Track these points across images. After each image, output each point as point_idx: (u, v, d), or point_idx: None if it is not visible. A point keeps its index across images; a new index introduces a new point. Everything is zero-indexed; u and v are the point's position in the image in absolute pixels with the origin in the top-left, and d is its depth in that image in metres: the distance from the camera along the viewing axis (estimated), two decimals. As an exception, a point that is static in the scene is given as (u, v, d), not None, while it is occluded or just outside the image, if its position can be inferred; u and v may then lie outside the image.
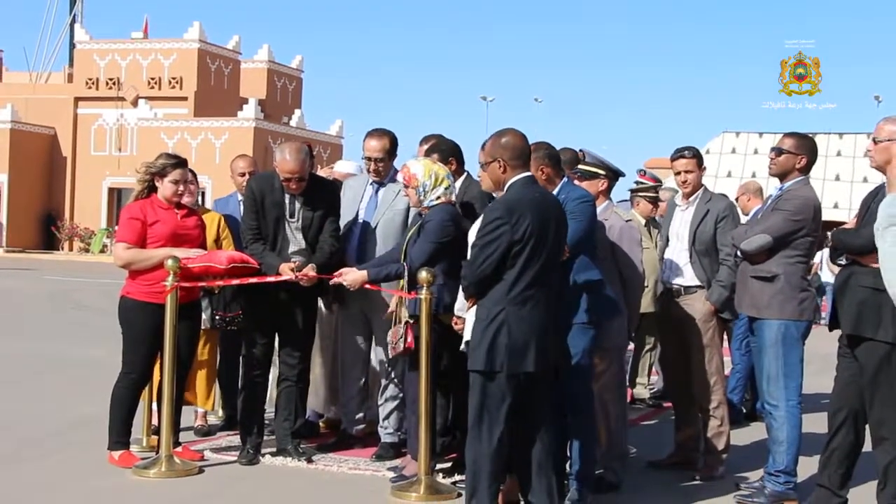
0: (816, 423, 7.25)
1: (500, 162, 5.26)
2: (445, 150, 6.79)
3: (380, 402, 7.00)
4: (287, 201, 6.72)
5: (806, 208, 6.10)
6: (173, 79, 42.78)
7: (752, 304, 6.19)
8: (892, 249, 4.83)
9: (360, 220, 6.96)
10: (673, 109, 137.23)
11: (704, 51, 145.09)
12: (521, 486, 5.37)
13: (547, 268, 5.19)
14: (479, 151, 5.89)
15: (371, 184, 7.04)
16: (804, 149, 6.18)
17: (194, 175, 7.54)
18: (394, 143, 6.96)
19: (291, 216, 6.73)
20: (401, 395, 6.82)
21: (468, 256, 5.25)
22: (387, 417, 6.94)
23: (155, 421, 6.90)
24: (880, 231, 5.06)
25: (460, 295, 5.65)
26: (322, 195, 6.80)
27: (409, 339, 6.18)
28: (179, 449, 6.68)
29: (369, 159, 6.92)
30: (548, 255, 5.17)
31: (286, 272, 6.53)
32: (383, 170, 6.93)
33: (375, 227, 6.88)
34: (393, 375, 6.88)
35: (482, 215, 5.30)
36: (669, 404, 8.47)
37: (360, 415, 7.28)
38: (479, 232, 5.20)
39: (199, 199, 7.74)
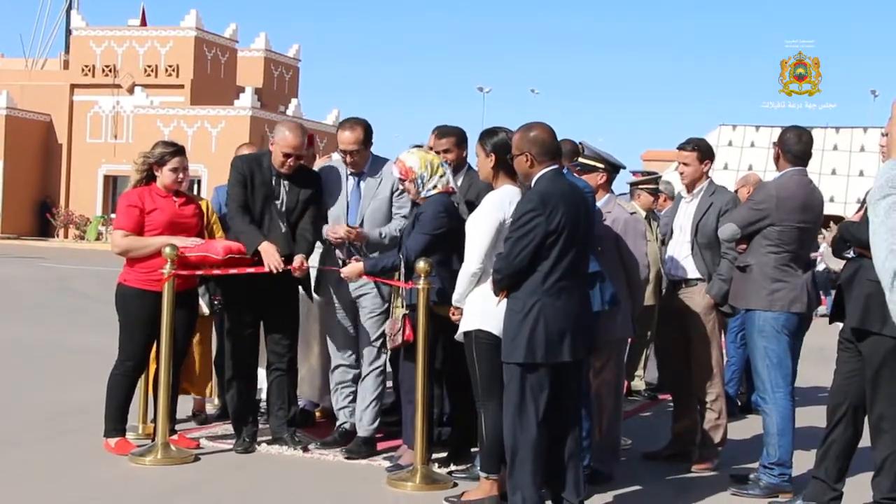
0: (814, 416, 7.27)
1: (528, 156, 5.28)
2: (462, 136, 6.85)
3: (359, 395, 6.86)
4: (273, 183, 6.72)
5: (767, 197, 6.13)
6: (170, 66, 42.67)
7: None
8: (885, 222, 4.81)
9: (348, 213, 6.80)
10: (672, 102, 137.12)
11: (706, 46, 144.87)
12: (547, 479, 5.29)
13: (579, 258, 5.24)
14: (476, 144, 5.89)
15: (350, 175, 6.90)
16: (778, 140, 6.28)
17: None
18: (368, 132, 6.77)
19: (276, 198, 6.72)
20: (378, 389, 6.74)
21: (503, 249, 5.22)
22: (364, 409, 6.77)
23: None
24: (872, 203, 5.01)
25: (458, 285, 5.64)
26: (306, 182, 6.80)
27: (408, 330, 6.17)
28: (175, 437, 6.67)
29: (345, 152, 6.78)
30: (579, 245, 5.22)
31: (271, 262, 6.44)
32: (360, 161, 6.78)
33: (362, 218, 6.76)
34: (376, 366, 6.76)
35: (515, 208, 5.30)
36: (665, 396, 8.48)
37: (351, 406, 6.98)
38: (512, 224, 5.21)
39: (196, 188, 7.70)
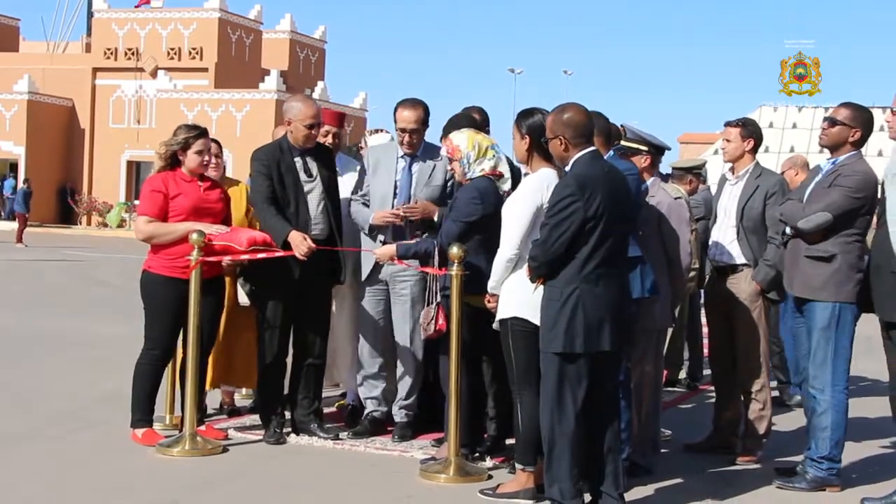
0: (860, 407, 7.09)
1: (562, 140, 5.16)
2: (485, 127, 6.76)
3: (398, 382, 6.81)
4: (299, 166, 6.61)
5: (867, 185, 5.86)
6: (193, 49, 42.59)
7: (806, 284, 5.91)
8: None
9: (395, 195, 6.67)
10: (711, 83, 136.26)
11: (736, 26, 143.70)
12: (584, 471, 5.16)
13: (618, 244, 5.11)
14: (512, 126, 5.71)
15: (403, 156, 6.75)
16: (859, 121, 5.95)
17: (220, 147, 7.39)
18: (427, 112, 6.72)
19: (309, 176, 6.61)
20: (413, 375, 6.65)
21: (540, 235, 5.10)
22: (405, 397, 6.73)
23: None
24: (889, 178, 4.92)
25: (494, 271, 5.52)
26: (327, 154, 6.79)
27: (441, 320, 6.04)
28: (203, 427, 6.57)
29: (403, 130, 6.66)
30: (619, 231, 5.09)
31: (299, 246, 6.33)
32: (417, 142, 6.68)
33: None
34: (409, 353, 6.65)
35: (551, 192, 5.17)
36: (706, 386, 8.31)
37: (380, 394, 6.90)
38: (549, 210, 5.08)
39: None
